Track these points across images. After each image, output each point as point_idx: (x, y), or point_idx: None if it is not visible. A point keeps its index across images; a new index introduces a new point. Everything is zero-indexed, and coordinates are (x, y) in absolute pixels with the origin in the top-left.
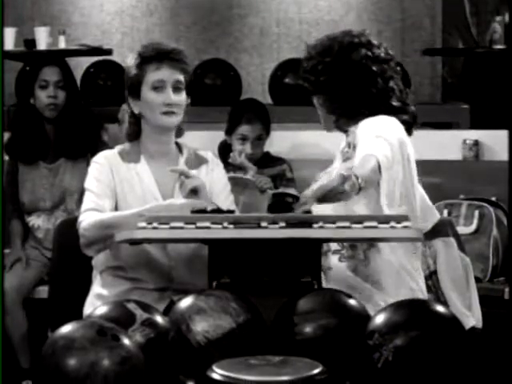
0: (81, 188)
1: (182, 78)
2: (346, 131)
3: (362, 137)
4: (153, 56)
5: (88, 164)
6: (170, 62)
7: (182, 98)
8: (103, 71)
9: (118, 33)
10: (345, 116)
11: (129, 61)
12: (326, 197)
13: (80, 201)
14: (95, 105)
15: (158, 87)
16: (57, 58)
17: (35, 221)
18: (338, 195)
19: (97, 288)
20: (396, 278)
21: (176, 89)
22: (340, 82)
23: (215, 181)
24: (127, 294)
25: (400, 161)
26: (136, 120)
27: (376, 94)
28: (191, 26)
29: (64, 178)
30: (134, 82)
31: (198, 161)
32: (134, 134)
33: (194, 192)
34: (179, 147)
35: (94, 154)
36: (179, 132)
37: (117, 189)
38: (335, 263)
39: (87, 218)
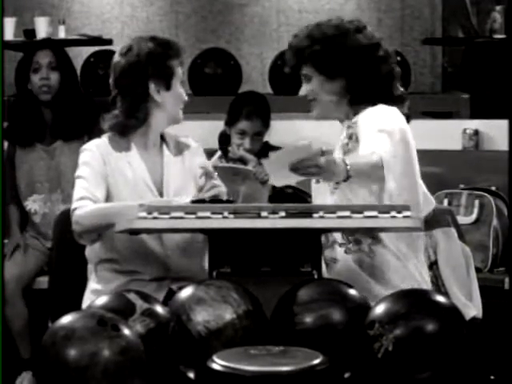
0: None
1: None
2: (343, 120)
3: (365, 130)
4: (178, 51)
5: (82, 145)
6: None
7: None
8: (103, 61)
9: (117, 22)
10: (352, 101)
11: (145, 49)
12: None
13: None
14: (95, 94)
15: (182, 81)
16: (51, 43)
17: (32, 205)
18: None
19: (93, 284)
20: (401, 271)
21: None
22: (355, 64)
23: (198, 167)
24: (125, 288)
25: (402, 154)
26: (147, 108)
27: (383, 78)
28: (191, 16)
29: (60, 161)
30: (167, 72)
31: (180, 147)
32: (141, 123)
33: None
34: (161, 135)
35: (90, 135)
36: None
37: (108, 177)
38: (342, 255)
39: (83, 207)
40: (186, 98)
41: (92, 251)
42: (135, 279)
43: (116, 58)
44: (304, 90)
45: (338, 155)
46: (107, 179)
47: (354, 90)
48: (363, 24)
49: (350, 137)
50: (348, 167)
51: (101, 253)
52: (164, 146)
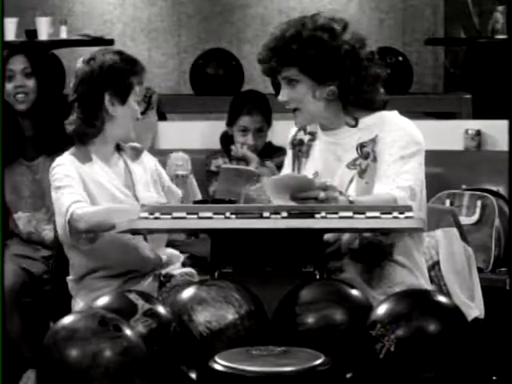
0: None
1: None
2: (353, 125)
3: (385, 158)
4: (140, 69)
5: None
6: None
7: None
8: None
9: (119, 23)
10: (345, 106)
11: (108, 61)
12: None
13: None
14: None
15: (137, 100)
16: (24, 47)
17: (17, 222)
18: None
19: (81, 302)
20: (408, 284)
21: None
22: (347, 66)
23: (158, 167)
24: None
25: (421, 178)
26: (103, 119)
27: (371, 79)
28: (193, 16)
29: (44, 177)
30: (124, 87)
31: (137, 152)
32: (96, 134)
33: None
34: (117, 145)
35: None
36: None
37: (85, 188)
38: (349, 266)
39: (83, 207)
40: (140, 116)
41: (80, 263)
42: (130, 278)
43: (79, 64)
44: (285, 95)
45: (347, 172)
46: (84, 189)
47: (345, 93)
48: (346, 21)
49: (365, 156)
50: (352, 203)
51: (91, 262)
52: (122, 154)
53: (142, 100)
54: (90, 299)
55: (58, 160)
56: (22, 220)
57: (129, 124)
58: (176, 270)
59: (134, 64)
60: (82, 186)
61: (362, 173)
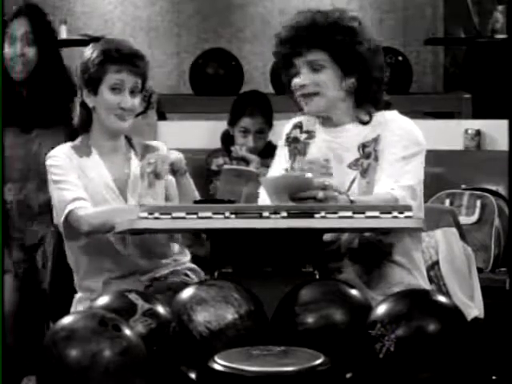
0: None
1: (139, 82)
2: (364, 123)
3: (387, 157)
4: (116, 57)
5: (67, 133)
6: (131, 66)
7: (137, 102)
8: None
9: (120, 22)
10: (357, 103)
11: (88, 53)
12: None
13: None
14: None
15: (116, 88)
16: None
17: (6, 195)
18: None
19: (79, 294)
20: (406, 283)
21: (132, 93)
22: (371, 62)
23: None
24: (108, 286)
25: (421, 179)
26: (87, 112)
27: (384, 79)
28: (193, 15)
29: (41, 151)
30: (93, 77)
31: (149, 151)
32: (84, 126)
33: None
34: (129, 140)
35: (71, 121)
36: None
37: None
38: (348, 267)
39: (83, 207)
40: (127, 106)
41: (72, 260)
42: (113, 277)
43: None
44: (308, 79)
45: (348, 173)
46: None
47: (363, 88)
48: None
49: (367, 155)
50: (352, 203)
51: (79, 260)
52: (131, 152)
53: (142, 99)
54: (81, 299)
55: (54, 150)
56: (13, 190)
57: (107, 116)
58: (179, 265)
59: (106, 52)
60: (77, 177)
61: (363, 172)
